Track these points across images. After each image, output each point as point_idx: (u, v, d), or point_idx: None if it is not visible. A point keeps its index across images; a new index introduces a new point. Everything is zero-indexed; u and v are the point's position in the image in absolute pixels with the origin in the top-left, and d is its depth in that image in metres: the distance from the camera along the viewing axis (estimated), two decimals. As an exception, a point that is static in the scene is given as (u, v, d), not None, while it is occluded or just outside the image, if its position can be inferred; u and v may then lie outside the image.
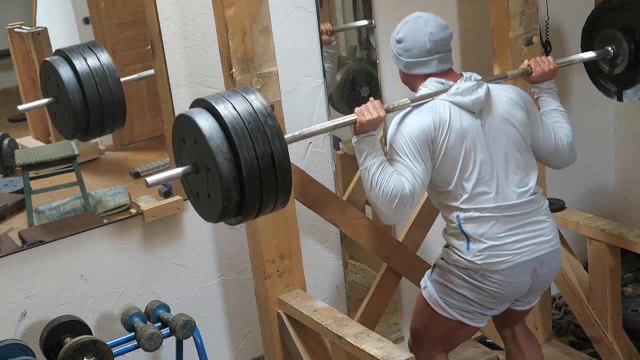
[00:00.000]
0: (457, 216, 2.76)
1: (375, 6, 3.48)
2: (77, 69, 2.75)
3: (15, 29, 3.13)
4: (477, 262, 2.75)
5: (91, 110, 2.75)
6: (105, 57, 2.79)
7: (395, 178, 2.63)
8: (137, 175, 3.34)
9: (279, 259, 3.01)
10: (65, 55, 2.78)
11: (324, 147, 3.49)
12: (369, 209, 3.78)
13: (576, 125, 3.14)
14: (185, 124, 2.27)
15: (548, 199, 3.53)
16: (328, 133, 3.47)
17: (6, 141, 3.17)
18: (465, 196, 2.73)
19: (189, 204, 3.25)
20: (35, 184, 3.21)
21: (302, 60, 3.35)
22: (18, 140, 3.22)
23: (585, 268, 3.56)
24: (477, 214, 2.74)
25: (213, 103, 2.24)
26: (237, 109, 2.23)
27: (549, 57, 3.00)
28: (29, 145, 3.25)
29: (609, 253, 3.34)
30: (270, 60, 2.80)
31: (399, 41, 2.81)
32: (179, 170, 2.32)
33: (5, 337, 2.95)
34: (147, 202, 3.24)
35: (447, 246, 2.85)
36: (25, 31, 3.09)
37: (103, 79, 2.76)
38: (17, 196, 3.16)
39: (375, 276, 3.55)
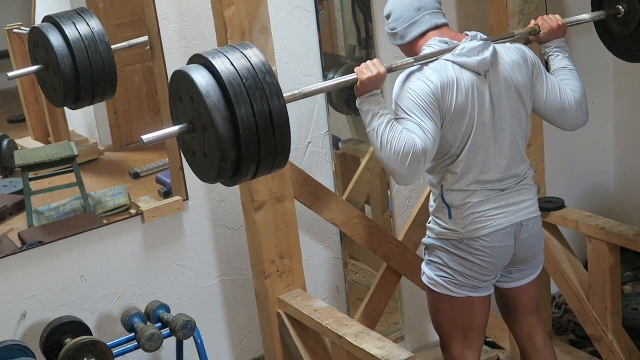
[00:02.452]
0: (442, 186, 2.75)
1: (375, 6, 3.48)
2: (67, 34, 2.67)
3: (14, 30, 3.13)
4: (459, 230, 2.75)
5: (82, 76, 2.68)
6: (95, 23, 2.72)
7: (405, 135, 2.54)
8: (136, 176, 3.34)
9: (279, 259, 3.01)
10: (54, 21, 2.71)
11: (324, 147, 3.49)
12: (369, 209, 3.78)
13: (575, 124, 3.13)
14: (181, 80, 2.21)
15: (547, 198, 3.56)
16: (327, 132, 3.47)
17: (6, 142, 3.16)
18: (457, 161, 2.70)
19: (188, 204, 3.26)
20: (34, 185, 3.20)
21: (302, 60, 3.35)
22: (17, 141, 3.22)
23: (585, 267, 3.56)
24: (458, 184, 2.72)
25: (210, 59, 2.18)
26: (235, 65, 2.17)
27: (556, 15, 2.92)
28: (29, 146, 3.25)
29: (608, 251, 3.34)
30: (270, 60, 2.78)
31: (388, 16, 2.77)
32: (175, 129, 2.25)
33: (6, 338, 2.95)
34: (146, 203, 3.24)
35: (429, 222, 2.86)
36: (24, 32, 3.09)
37: (93, 45, 2.69)
38: (16, 197, 3.16)
39: (375, 276, 3.56)
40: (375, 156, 3.56)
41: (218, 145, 2.14)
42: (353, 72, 2.59)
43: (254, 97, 2.15)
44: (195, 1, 3.12)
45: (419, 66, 2.66)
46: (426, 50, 2.70)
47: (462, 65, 2.65)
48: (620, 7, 3.04)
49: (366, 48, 3.61)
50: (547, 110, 2.86)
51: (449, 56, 2.66)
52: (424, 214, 3.47)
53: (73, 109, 2.86)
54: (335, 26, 3.60)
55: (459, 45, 2.68)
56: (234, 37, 2.72)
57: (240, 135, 2.14)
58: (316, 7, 3.34)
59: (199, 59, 2.24)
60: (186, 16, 3.14)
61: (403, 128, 2.57)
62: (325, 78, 3.41)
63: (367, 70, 2.56)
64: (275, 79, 2.20)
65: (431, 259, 2.86)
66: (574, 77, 2.91)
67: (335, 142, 3.59)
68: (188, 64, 2.27)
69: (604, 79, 4.25)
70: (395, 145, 2.53)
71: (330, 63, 3.49)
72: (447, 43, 2.69)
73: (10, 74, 2.90)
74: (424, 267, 2.91)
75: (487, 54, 2.67)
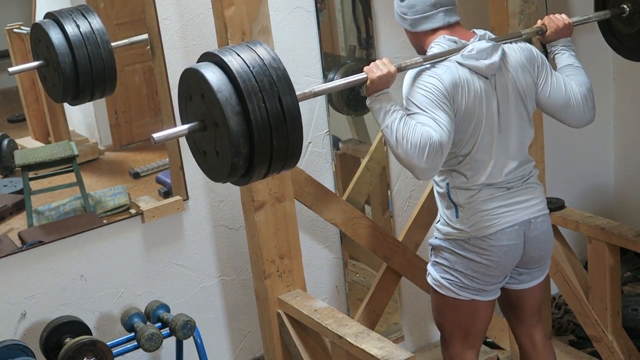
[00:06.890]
0: (447, 184, 2.75)
1: (375, 6, 3.48)
2: (67, 31, 2.69)
3: (15, 30, 3.13)
4: (466, 229, 2.74)
5: (81, 72, 2.70)
6: (94, 20, 2.73)
7: (420, 128, 2.51)
8: (136, 176, 3.33)
9: (279, 259, 3.01)
10: (55, 17, 2.72)
11: (324, 147, 3.49)
12: (369, 209, 3.78)
13: (576, 125, 3.12)
14: (192, 78, 2.19)
15: (548, 198, 3.55)
16: (327, 132, 3.47)
17: (6, 142, 3.16)
18: (463, 162, 2.69)
19: (188, 204, 3.26)
20: (34, 185, 3.20)
21: (302, 60, 3.35)
22: (17, 141, 3.22)
23: (585, 267, 3.56)
24: (466, 184, 2.72)
25: (220, 55, 2.16)
26: (246, 61, 2.15)
27: (563, 14, 2.91)
28: (29, 145, 3.25)
29: (608, 252, 3.34)
30: (270, 60, 2.80)
31: None
32: (184, 127, 2.22)
33: (5, 338, 2.95)
34: (146, 203, 3.24)
35: (438, 222, 2.84)
36: (25, 32, 3.09)
37: (93, 42, 2.70)
38: (16, 197, 3.16)
39: (375, 276, 3.56)
40: (375, 156, 3.59)
41: (230, 141, 2.11)
42: (354, 72, 2.57)
43: (265, 91, 2.13)
44: (195, 1, 3.13)
45: (427, 65, 2.64)
46: (434, 47, 2.68)
47: (470, 68, 2.63)
48: (625, 6, 3.04)
49: (366, 48, 3.61)
50: (552, 105, 2.83)
51: (457, 57, 2.63)
52: (424, 214, 3.48)
53: (73, 105, 2.87)
54: (335, 26, 3.60)
55: (467, 45, 2.66)
56: (234, 37, 2.72)
57: (252, 130, 2.12)
58: (316, 7, 3.34)
59: (209, 57, 2.21)
60: (186, 16, 3.14)
61: (417, 122, 2.54)
62: (325, 78, 3.41)
63: (377, 69, 2.54)
64: (287, 75, 2.18)
65: (437, 260, 2.85)
66: (579, 72, 2.89)
67: (335, 142, 3.59)
68: (198, 62, 2.25)
69: (604, 79, 4.25)
70: (412, 139, 2.51)
71: (330, 63, 3.49)
72: (455, 42, 2.67)
73: (10, 69, 2.91)
74: (429, 267, 2.90)
75: (496, 57, 2.66)
